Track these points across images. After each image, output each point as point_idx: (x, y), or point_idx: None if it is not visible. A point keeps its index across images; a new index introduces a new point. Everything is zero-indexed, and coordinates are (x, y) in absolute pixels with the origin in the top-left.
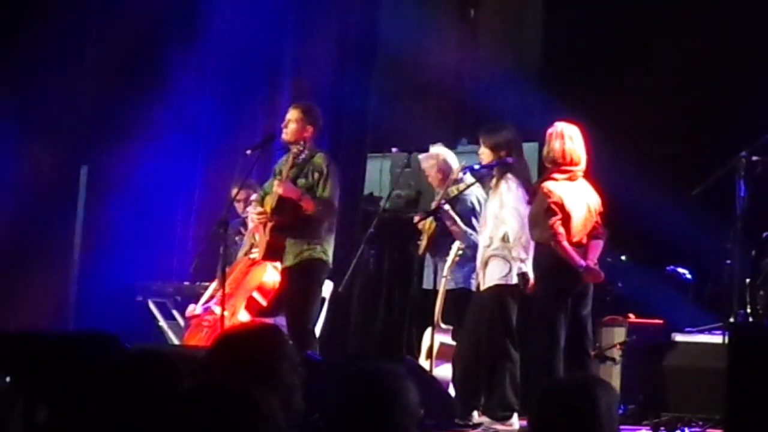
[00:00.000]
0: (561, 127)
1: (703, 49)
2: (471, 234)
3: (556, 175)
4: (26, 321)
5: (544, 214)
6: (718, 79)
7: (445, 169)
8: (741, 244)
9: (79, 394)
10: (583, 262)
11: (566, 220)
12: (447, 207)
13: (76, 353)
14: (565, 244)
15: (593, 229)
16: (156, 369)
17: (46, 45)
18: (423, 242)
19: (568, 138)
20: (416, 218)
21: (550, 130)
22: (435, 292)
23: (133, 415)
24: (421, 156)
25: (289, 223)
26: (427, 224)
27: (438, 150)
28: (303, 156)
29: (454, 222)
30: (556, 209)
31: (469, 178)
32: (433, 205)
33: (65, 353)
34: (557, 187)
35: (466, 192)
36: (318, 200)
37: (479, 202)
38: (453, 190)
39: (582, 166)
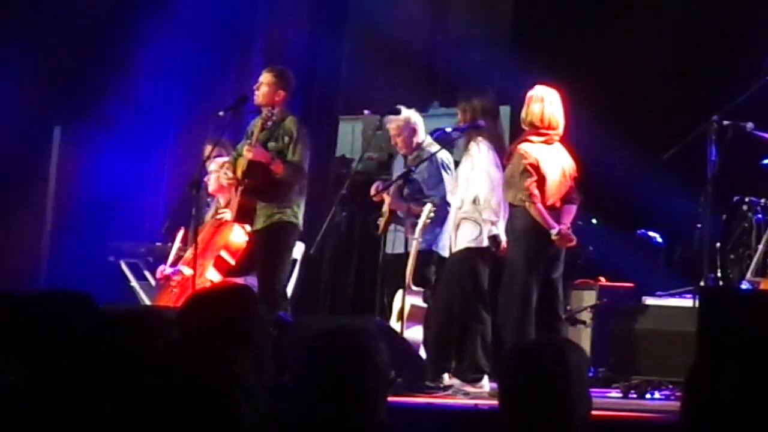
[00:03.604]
0: (541, 90)
1: (675, 14)
2: (433, 198)
3: (532, 138)
4: None
5: (519, 175)
6: (690, 42)
7: (409, 133)
8: (712, 208)
9: (51, 353)
10: (556, 226)
11: (541, 182)
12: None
13: (48, 313)
14: (540, 206)
15: (567, 194)
16: (128, 329)
17: (22, 7)
18: (384, 218)
19: (548, 102)
20: (373, 191)
21: (530, 93)
22: (406, 254)
23: (106, 374)
24: (387, 118)
25: (259, 186)
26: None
27: (405, 113)
28: (273, 120)
29: (407, 205)
30: (532, 171)
31: (435, 145)
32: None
33: (38, 313)
34: (533, 149)
35: (437, 155)
36: (288, 164)
37: (447, 165)
38: (421, 154)
39: (559, 130)
